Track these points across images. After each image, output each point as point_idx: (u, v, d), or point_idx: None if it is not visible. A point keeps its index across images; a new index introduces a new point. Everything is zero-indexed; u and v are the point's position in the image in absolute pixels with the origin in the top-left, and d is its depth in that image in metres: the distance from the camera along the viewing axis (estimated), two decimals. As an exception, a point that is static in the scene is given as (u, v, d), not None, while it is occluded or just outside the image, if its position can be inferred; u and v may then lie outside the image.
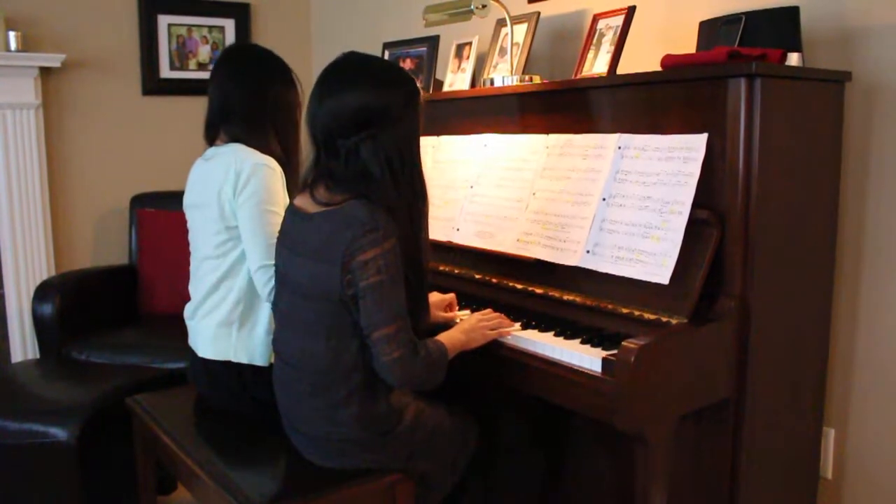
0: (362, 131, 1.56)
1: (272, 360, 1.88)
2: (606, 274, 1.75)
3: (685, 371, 1.58)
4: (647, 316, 1.68)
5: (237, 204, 1.87)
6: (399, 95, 1.61)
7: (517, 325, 1.83)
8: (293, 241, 1.67)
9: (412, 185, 1.64)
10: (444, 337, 1.71)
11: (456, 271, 2.18)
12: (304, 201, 1.67)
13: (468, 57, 2.61)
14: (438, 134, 2.39)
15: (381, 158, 1.57)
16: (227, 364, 1.92)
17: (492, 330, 1.79)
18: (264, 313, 1.92)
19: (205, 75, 3.62)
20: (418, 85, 1.67)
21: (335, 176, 1.61)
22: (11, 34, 3.07)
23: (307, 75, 2.88)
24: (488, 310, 1.86)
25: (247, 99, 1.95)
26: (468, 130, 2.30)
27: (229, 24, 3.74)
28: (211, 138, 2.02)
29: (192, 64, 3.68)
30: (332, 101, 1.58)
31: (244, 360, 1.92)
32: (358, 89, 1.57)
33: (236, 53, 2.09)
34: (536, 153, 2.03)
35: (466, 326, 1.78)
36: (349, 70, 1.62)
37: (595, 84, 1.99)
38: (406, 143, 1.62)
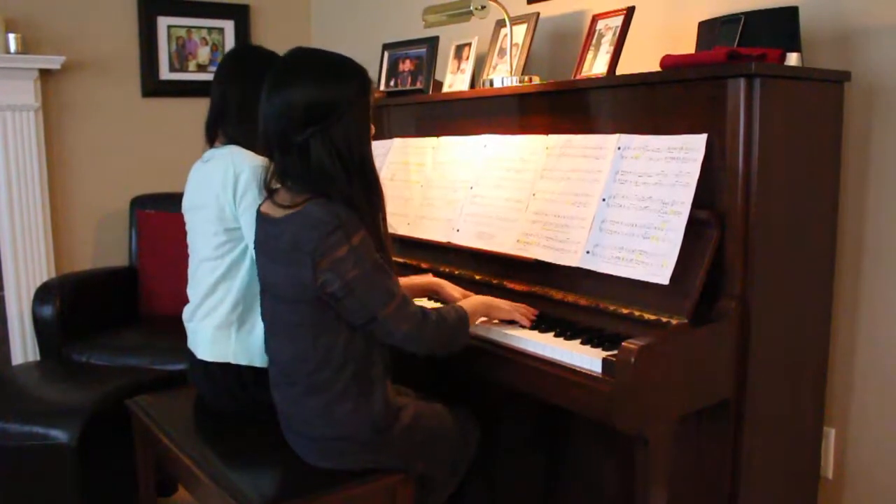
0: (312, 126, 1.57)
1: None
2: (606, 274, 1.75)
3: (685, 371, 1.58)
4: (648, 316, 1.68)
5: (240, 210, 1.87)
6: (346, 88, 1.60)
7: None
8: (266, 247, 1.68)
9: (365, 175, 1.63)
10: (463, 302, 1.78)
11: (456, 272, 2.18)
12: (269, 206, 1.68)
13: (468, 58, 2.61)
14: (438, 135, 2.39)
15: (332, 152, 1.57)
16: (226, 366, 1.92)
17: (514, 311, 1.84)
18: (263, 314, 1.92)
19: (204, 77, 3.63)
20: (368, 76, 1.66)
21: (292, 174, 1.62)
22: (11, 36, 3.07)
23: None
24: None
25: (246, 100, 1.95)
26: (468, 131, 2.30)
27: (229, 26, 3.74)
28: (211, 139, 2.02)
29: (192, 66, 3.69)
30: (281, 99, 1.58)
31: (243, 362, 1.91)
32: (304, 85, 1.57)
33: (238, 55, 2.10)
34: (536, 154, 2.03)
35: (488, 298, 1.85)
36: (295, 67, 1.62)
37: (594, 85, 1.99)
38: (356, 135, 1.61)
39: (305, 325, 1.61)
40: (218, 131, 2.00)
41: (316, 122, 1.56)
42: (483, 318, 1.85)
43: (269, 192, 1.69)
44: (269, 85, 1.61)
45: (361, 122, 1.62)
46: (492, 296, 1.96)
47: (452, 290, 1.99)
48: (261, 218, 1.71)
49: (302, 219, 1.56)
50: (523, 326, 1.82)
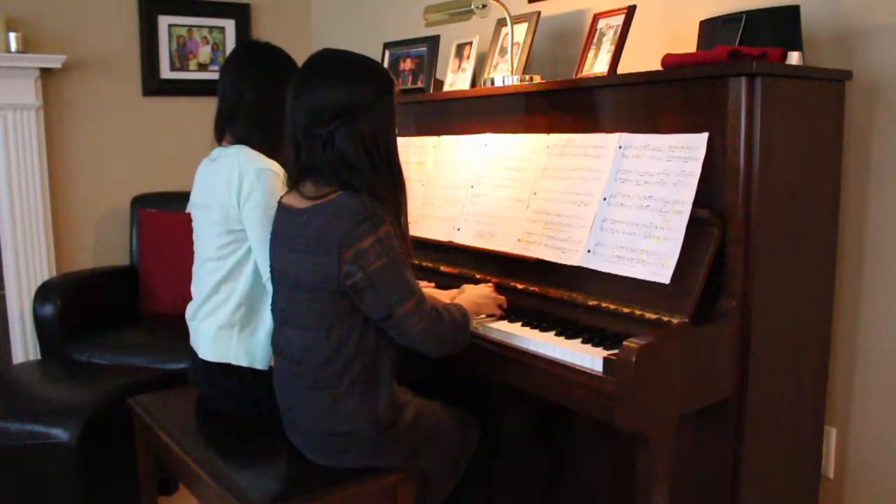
0: (339, 120, 1.61)
1: (272, 364, 1.88)
2: (607, 274, 1.75)
3: (686, 371, 1.58)
4: (649, 315, 1.68)
5: (244, 212, 1.87)
6: (373, 88, 1.65)
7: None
8: (286, 237, 1.69)
9: (390, 170, 1.68)
10: (460, 301, 1.81)
11: (457, 271, 2.18)
12: (292, 199, 1.70)
13: (468, 57, 2.61)
14: (439, 134, 2.39)
15: (358, 144, 1.62)
16: (227, 366, 1.92)
17: (498, 309, 1.90)
18: (266, 316, 1.92)
19: (205, 76, 3.63)
20: (392, 77, 1.72)
21: (318, 167, 1.65)
22: (12, 35, 3.07)
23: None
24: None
25: (256, 98, 1.94)
26: (469, 130, 2.30)
27: (230, 25, 3.74)
28: (219, 137, 2.01)
29: (193, 65, 3.68)
30: (310, 97, 1.62)
31: (244, 363, 1.91)
32: (334, 85, 1.62)
33: (247, 51, 2.08)
34: (537, 153, 2.03)
35: (478, 294, 1.89)
36: (325, 67, 1.67)
37: (595, 84, 1.99)
38: (382, 131, 1.66)
39: (321, 317, 1.63)
40: (226, 129, 1.99)
41: (343, 117, 1.60)
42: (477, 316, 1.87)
43: (292, 186, 1.71)
44: (297, 83, 1.65)
45: (387, 118, 1.67)
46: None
47: (439, 294, 1.96)
48: (282, 209, 1.73)
49: (331, 209, 1.59)
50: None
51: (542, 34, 2.59)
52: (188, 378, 2.10)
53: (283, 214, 1.72)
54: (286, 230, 1.69)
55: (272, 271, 1.78)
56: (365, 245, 1.56)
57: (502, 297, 1.92)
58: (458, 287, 1.99)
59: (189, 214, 2.06)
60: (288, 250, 1.68)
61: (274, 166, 1.89)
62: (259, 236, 1.85)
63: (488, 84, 2.35)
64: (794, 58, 1.78)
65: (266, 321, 1.92)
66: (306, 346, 1.66)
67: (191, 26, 3.66)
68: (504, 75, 2.33)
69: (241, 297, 1.92)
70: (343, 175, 1.62)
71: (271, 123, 1.93)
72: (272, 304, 1.81)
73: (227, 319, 1.92)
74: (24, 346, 3.27)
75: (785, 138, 1.67)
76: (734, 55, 1.65)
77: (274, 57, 2.02)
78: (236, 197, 1.86)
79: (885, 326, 1.93)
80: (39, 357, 3.00)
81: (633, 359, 1.46)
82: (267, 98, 1.94)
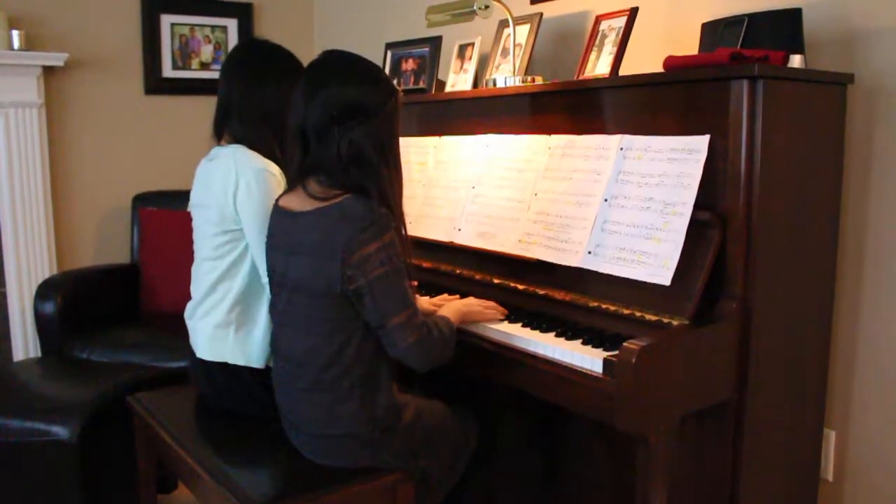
0: (354, 119, 1.61)
1: (269, 363, 1.89)
2: (608, 275, 1.75)
3: (686, 372, 1.58)
4: (649, 317, 1.68)
5: (241, 213, 1.87)
6: (381, 89, 1.67)
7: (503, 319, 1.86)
8: (286, 241, 1.68)
9: (397, 170, 1.70)
10: (444, 311, 1.79)
11: (457, 272, 2.18)
12: (291, 200, 1.69)
13: (470, 57, 2.61)
14: (440, 134, 2.39)
15: (373, 142, 1.63)
16: (224, 365, 1.92)
17: (487, 311, 1.87)
18: (262, 316, 1.92)
19: (207, 75, 3.64)
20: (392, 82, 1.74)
21: (326, 167, 1.64)
22: (14, 33, 3.08)
23: (309, 75, 2.87)
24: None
25: (247, 97, 1.94)
26: (470, 131, 2.30)
27: (232, 24, 3.75)
28: (218, 136, 2.01)
29: (195, 63, 3.69)
30: (327, 92, 1.62)
31: (241, 363, 1.91)
32: (349, 83, 1.63)
33: (242, 51, 2.07)
34: (538, 154, 2.03)
35: (463, 303, 1.87)
36: (340, 65, 1.68)
37: (597, 85, 1.99)
38: (391, 133, 1.68)
39: (323, 320, 1.63)
40: (225, 129, 1.99)
41: (360, 116, 1.61)
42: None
43: (297, 183, 1.70)
44: (310, 80, 1.66)
45: (394, 121, 1.69)
46: (493, 296, 1.96)
47: (426, 303, 1.94)
48: (279, 212, 1.72)
49: (337, 212, 1.59)
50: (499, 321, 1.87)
51: (544, 35, 2.59)
52: (188, 376, 2.10)
53: (282, 217, 1.70)
54: (285, 233, 1.68)
55: (270, 274, 1.77)
56: (369, 250, 1.55)
57: (489, 301, 1.90)
58: (458, 289, 2.00)
59: (190, 213, 2.07)
60: (287, 254, 1.67)
61: (271, 167, 1.89)
62: (257, 237, 1.85)
63: (490, 85, 2.35)
64: (795, 61, 1.78)
65: (261, 321, 1.92)
66: (307, 348, 1.65)
67: (193, 25, 3.66)
68: (506, 76, 2.33)
69: (236, 297, 1.92)
70: (354, 174, 1.61)
71: (263, 122, 1.93)
72: (271, 306, 1.80)
73: (223, 318, 1.92)
74: (25, 344, 3.27)
75: (786, 141, 1.67)
76: (736, 58, 1.65)
77: (269, 55, 2.00)
78: (232, 197, 1.86)
79: (885, 329, 1.93)
80: (40, 354, 3.00)
81: (633, 360, 1.46)
82: (256, 96, 1.93)
